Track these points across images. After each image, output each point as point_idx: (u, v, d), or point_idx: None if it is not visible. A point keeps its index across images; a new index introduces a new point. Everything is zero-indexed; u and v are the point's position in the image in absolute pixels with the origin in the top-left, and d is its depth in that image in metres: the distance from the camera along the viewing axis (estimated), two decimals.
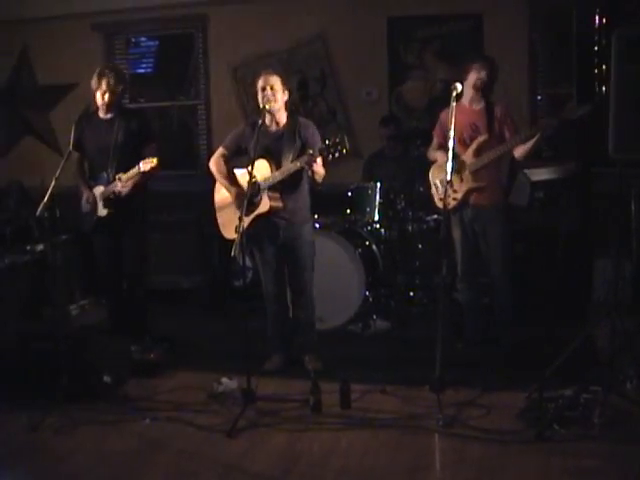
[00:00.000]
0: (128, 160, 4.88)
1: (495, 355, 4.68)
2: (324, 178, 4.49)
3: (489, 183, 4.64)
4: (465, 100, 4.71)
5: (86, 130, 5.02)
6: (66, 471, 3.60)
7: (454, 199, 4.66)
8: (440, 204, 4.75)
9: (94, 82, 4.92)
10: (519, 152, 4.58)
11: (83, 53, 7.28)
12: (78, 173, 5.14)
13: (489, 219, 4.69)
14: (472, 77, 4.64)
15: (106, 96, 4.90)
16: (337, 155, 4.21)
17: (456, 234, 4.81)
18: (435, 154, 4.91)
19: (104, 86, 4.88)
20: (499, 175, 4.80)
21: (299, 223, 4.66)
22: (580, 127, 5.17)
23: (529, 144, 4.46)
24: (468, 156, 4.63)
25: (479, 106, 4.70)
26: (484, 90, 4.68)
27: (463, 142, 4.68)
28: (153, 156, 4.85)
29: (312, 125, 4.65)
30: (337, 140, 4.20)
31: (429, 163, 4.99)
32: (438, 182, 4.79)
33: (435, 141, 4.94)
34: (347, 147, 4.23)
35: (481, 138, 4.59)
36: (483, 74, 4.62)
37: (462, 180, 4.64)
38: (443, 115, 4.82)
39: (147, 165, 4.72)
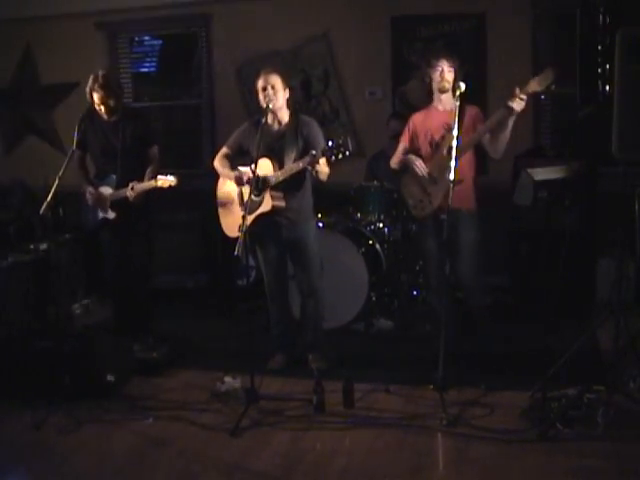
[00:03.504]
0: (134, 162, 4.93)
1: (498, 355, 4.67)
2: (329, 176, 4.49)
3: (465, 184, 4.45)
4: (436, 103, 4.55)
5: (90, 130, 5.02)
6: (69, 470, 3.60)
7: (430, 203, 4.51)
8: (416, 213, 4.65)
9: (87, 96, 4.93)
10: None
11: (86, 52, 7.29)
12: (81, 171, 5.14)
13: (464, 224, 4.49)
14: (435, 79, 4.45)
15: (102, 107, 4.92)
16: (340, 157, 4.20)
17: (430, 243, 4.59)
18: (402, 158, 4.67)
19: (97, 100, 4.90)
20: (475, 180, 4.59)
21: (302, 222, 4.65)
22: (584, 126, 5.17)
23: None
24: (441, 156, 4.41)
25: (451, 107, 4.45)
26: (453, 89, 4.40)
27: (435, 146, 4.52)
28: (156, 158, 4.95)
29: (314, 123, 4.64)
30: (340, 142, 4.19)
31: (395, 171, 4.82)
32: (410, 200, 4.65)
33: (401, 147, 4.73)
34: (350, 149, 4.22)
35: (450, 135, 4.31)
36: (443, 75, 4.42)
37: (437, 183, 4.45)
38: (413, 119, 4.67)
39: (166, 182, 4.72)
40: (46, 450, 3.79)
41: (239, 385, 4.34)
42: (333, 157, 4.20)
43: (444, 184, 4.31)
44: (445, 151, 4.38)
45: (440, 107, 4.55)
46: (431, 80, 4.50)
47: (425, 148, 4.59)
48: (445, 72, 4.44)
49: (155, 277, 5.64)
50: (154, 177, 4.78)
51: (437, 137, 4.51)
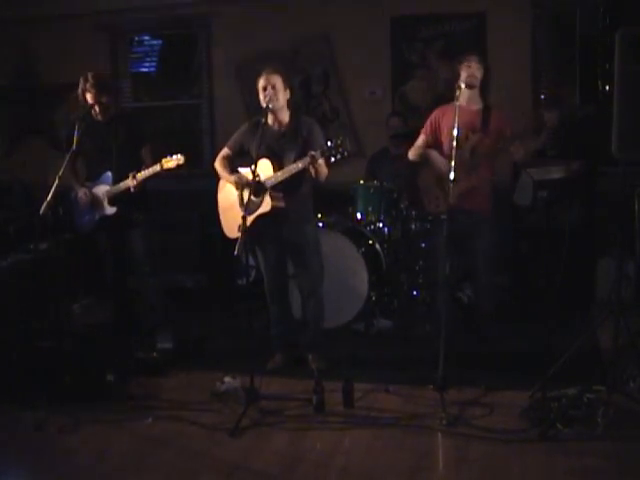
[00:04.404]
0: (128, 160, 4.95)
1: (498, 355, 4.67)
2: (327, 177, 4.48)
3: (483, 187, 4.52)
4: (462, 100, 4.52)
5: (85, 131, 5.02)
6: (69, 470, 3.60)
7: (445, 200, 4.50)
8: (430, 209, 4.70)
9: (80, 96, 4.99)
10: (519, 152, 4.47)
11: (87, 52, 7.28)
12: (71, 172, 5.12)
13: (481, 225, 4.55)
14: (463, 75, 4.50)
15: (96, 107, 4.97)
16: (339, 157, 4.20)
17: (440, 240, 4.56)
18: (422, 152, 4.71)
19: (90, 100, 4.95)
20: (493, 181, 4.65)
21: (302, 223, 4.65)
22: (584, 126, 5.16)
23: (530, 142, 4.39)
24: (463, 156, 4.46)
25: (477, 107, 4.55)
26: (481, 88, 4.54)
27: (458, 143, 4.45)
28: (149, 157, 4.98)
29: (315, 124, 4.63)
30: (339, 142, 4.18)
31: (412, 163, 4.86)
32: (426, 196, 4.71)
33: (421, 138, 4.76)
34: (349, 150, 4.22)
35: (475, 137, 4.48)
36: (472, 72, 4.49)
37: (455, 181, 4.37)
38: (437, 112, 4.70)
39: (172, 162, 4.75)
40: (46, 450, 3.79)
41: (239, 385, 4.33)
42: (332, 158, 4.20)
43: (460, 186, 4.39)
44: (468, 153, 4.41)
45: (466, 104, 4.54)
46: (458, 77, 4.51)
47: (448, 145, 4.58)
48: (474, 68, 4.48)
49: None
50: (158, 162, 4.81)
51: (460, 134, 4.44)
